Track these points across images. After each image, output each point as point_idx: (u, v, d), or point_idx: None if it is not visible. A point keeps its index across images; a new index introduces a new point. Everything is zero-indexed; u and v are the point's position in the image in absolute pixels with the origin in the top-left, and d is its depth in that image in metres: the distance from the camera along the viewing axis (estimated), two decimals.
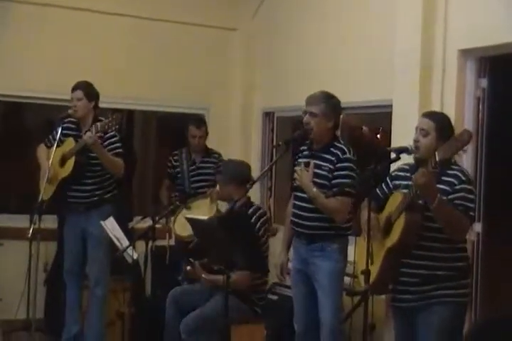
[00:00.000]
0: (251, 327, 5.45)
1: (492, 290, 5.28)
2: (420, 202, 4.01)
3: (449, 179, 4.05)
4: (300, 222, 4.95)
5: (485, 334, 1.93)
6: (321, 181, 4.85)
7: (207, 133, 6.94)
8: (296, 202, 5.00)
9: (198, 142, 6.85)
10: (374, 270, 4.07)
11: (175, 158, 6.95)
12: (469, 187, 4.05)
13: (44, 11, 7.00)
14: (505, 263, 5.49)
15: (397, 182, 4.30)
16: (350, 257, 4.84)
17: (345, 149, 4.88)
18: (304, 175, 4.86)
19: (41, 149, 6.00)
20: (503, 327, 1.95)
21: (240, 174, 5.58)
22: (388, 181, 4.39)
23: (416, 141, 4.14)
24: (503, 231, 5.50)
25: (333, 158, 4.85)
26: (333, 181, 4.82)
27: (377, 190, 4.38)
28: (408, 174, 4.18)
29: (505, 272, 5.49)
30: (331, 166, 4.84)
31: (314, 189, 4.79)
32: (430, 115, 4.26)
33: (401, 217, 4.01)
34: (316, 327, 4.90)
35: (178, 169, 6.89)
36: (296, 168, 4.96)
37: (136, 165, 8.18)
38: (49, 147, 5.91)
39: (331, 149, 4.89)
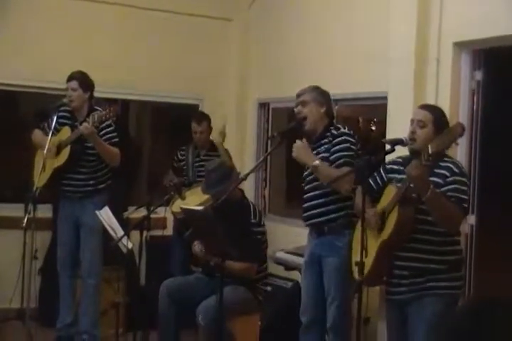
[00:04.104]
0: (246, 317, 5.44)
1: (485, 281, 5.30)
2: (414, 195, 4.01)
3: (442, 171, 4.05)
4: (308, 213, 4.93)
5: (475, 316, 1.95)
6: None
7: (210, 129, 7.04)
8: (304, 197, 4.97)
9: (200, 137, 7.00)
10: (368, 262, 4.09)
11: (181, 152, 7.12)
12: (462, 178, 4.04)
13: (37, 0, 6.99)
14: (499, 254, 5.53)
15: (392, 175, 4.30)
16: None
17: (341, 127, 4.85)
18: (300, 147, 4.81)
19: (37, 133, 5.99)
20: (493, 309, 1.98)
21: (223, 178, 5.49)
22: (382, 173, 4.39)
23: (413, 132, 4.13)
24: (497, 223, 5.53)
25: (329, 139, 4.82)
26: (332, 156, 4.76)
27: (371, 181, 4.38)
28: (402, 167, 4.16)
29: (498, 264, 5.52)
30: (328, 145, 4.81)
31: (317, 161, 4.70)
32: (427, 107, 4.28)
33: (394, 210, 4.02)
34: (322, 320, 4.90)
35: (184, 162, 7.05)
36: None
37: (140, 155, 8.32)
38: (45, 134, 5.89)
39: (327, 134, 4.86)
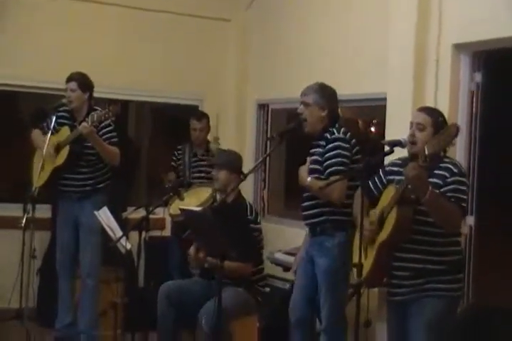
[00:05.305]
0: (245, 319, 5.43)
1: (484, 283, 5.30)
2: (412, 196, 4.01)
3: (441, 172, 4.05)
4: (305, 213, 4.96)
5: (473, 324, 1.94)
6: (314, 166, 4.83)
7: (209, 128, 7.04)
8: (303, 195, 4.99)
9: (199, 135, 7.01)
10: (367, 264, 4.09)
11: (179, 152, 7.11)
12: (461, 179, 4.05)
13: (37, 0, 6.98)
14: (497, 255, 5.53)
15: (391, 177, 4.29)
16: None
17: (335, 130, 4.82)
18: (300, 172, 4.87)
19: (36, 133, 6.00)
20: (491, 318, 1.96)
21: (231, 161, 5.67)
22: (382, 176, 4.39)
23: (412, 135, 4.13)
24: (496, 224, 5.53)
25: (323, 143, 4.83)
26: (325, 163, 4.77)
27: (370, 183, 4.39)
28: (401, 169, 4.14)
29: (497, 265, 5.52)
30: (322, 149, 4.82)
31: (308, 179, 4.79)
32: (426, 110, 4.27)
33: (393, 211, 4.02)
34: (309, 320, 4.89)
35: (181, 161, 7.04)
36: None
37: (139, 155, 8.36)
38: (44, 134, 5.90)
39: (324, 135, 4.86)
